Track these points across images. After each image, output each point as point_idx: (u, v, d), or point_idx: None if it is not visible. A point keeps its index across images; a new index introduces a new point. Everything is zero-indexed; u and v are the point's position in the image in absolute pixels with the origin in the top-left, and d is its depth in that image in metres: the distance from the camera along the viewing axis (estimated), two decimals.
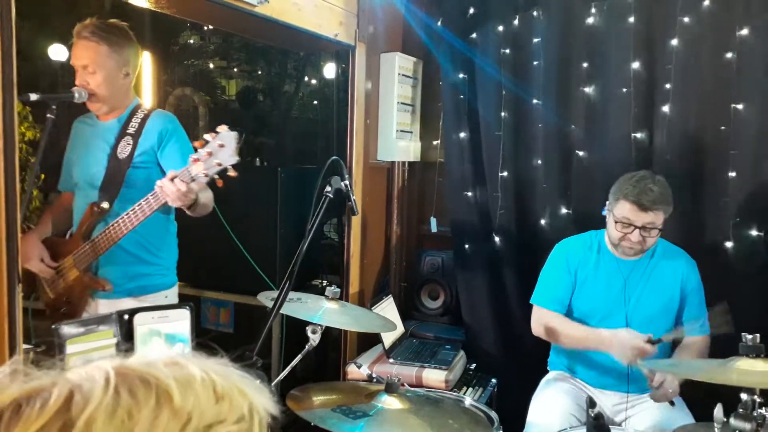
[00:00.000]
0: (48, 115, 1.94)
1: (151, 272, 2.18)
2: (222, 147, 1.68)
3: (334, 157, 1.75)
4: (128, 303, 2.11)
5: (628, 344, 2.04)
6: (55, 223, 2.25)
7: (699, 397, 2.10)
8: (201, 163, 1.71)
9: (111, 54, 2.06)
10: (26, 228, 3.33)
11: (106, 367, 0.52)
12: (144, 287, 2.16)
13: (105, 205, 2.05)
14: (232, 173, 1.71)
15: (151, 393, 0.50)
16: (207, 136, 1.70)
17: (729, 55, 2.53)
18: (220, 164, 1.69)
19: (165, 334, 1.07)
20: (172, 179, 1.78)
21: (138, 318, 1.04)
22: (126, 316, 1.03)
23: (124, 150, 2.09)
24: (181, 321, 1.09)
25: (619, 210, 2.16)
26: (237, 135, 1.69)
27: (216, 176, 1.73)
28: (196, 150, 1.73)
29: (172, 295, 2.26)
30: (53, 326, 0.95)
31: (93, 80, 2.05)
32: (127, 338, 1.03)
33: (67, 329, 0.96)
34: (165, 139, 2.11)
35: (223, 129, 1.70)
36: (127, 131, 2.11)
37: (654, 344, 2.02)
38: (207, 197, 2.01)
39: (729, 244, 2.57)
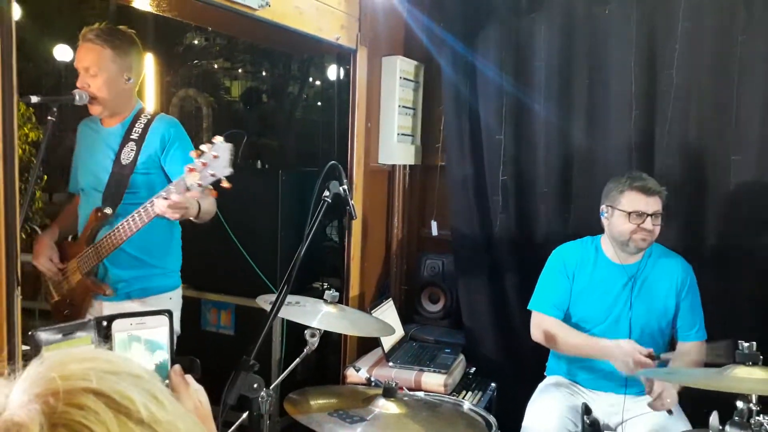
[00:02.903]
0: (49, 118, 1.96)
1: (154, 274, 2.20)
2: (216, 158, 1.70)
3: (333, 162, 1.75)
4: (131, 305, 2.14)
5: (629, 355, 2.05)
6: (65, 226, 2.28)
7: (694, 405, 2.11)
8: (197, 173, 1.73)
9: (114, 58, 2.07)
10: (29, 228, 3.33)
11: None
12: (147, 289, 2.18)
13: (108, 210, 2.07)
14: (225, 184, 1.72)
15: None
16: (204, 147, 1.72)
17: (730, 60, 2.52)
18: (214, 175, 1.71)
19: (144, 339, 1.07)
20: (166, 196, 1.81)
21: (116, 324, 1.04)
22: (105, 323, 1.03)
23: (128, 156, 2.10)
24: (159, 327, 1.08)
25: (627, 203, 2.20)
26: (232, 146, 1.71)
27: (210, 186, 1.74)
28: (192, 159, 1.73)
29: (176, 296, 2.28)
30: (29, 333, 0.95)
31: (94, 83, 2.06)
32: (106, 345, 1.04)
33: (44, 336, 0.96)
34: (168, 144, 2.13)
35: (218, 140, 1.72)
36: (131, 137, 2.12)
37: (654, 360, 2.03)
38: (209, 203, 2.04)
39: (729, 251, 2.56)
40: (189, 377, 1.06)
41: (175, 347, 2.17)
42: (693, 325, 2.27)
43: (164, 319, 1.08)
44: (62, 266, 2.16)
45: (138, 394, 0.51)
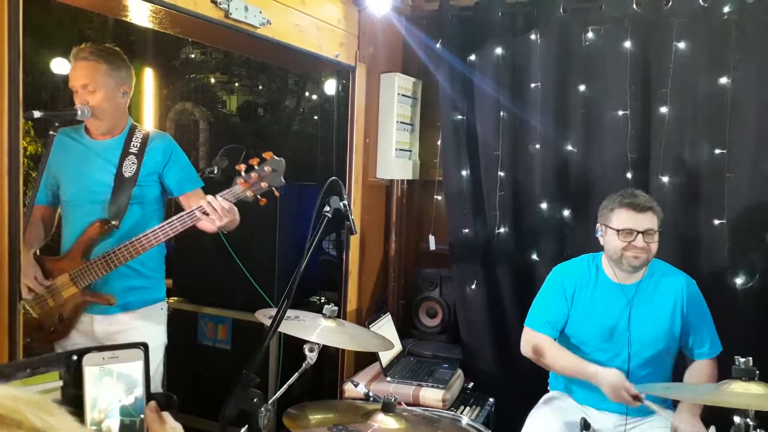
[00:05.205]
0: (50, 132, 1.95)
1: (148, 285, 2.23)
2: (274, 172, 1.97)
3: (334, 178, 1.77)
4: (124, 317, 2.16)
5: (612, 388, 2.05)
6: (30, 239, 2.17)
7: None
8: (248, 186, 1.96)
9: (110, 72, 2.13)
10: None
11: None
12: (141, 300, 2.20)
13: (115, 222, 2.10)
14: (277, 194, 2.00)
15: None
16: (252, 162, 1.96)
17: (723, 79, 2.56)
18: (269, 185, 1.97)
19: (117, 374, 1.02)
20: (213, 202, 1.97)
21: (87, 359, 0.98)
22: (75, 357, 0.99)
23: (129, 168, 2.15)
24: (133, 362, 1.03)
25: (617, 220, 2.19)
26: (284, 161, 1.99)
27: (259, 197, 1.99)
28: (239, 173, 1.97)
29: (165, 306, 2.32)
30: None
31: (93, 99, 2.10)
32: (76, 380, 0.96)
33: (8, 371, 0.91)
34: (170, 159, 2.22)
35: (270, 156, 1.97)
36: (130, 150, 2.17)
37: (638, 401, 2.01)
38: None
39: (725, 267, 2.59)
40: (166, 414, 1.01)
41: (164, 363, 2.15)
42: (704, 342, 2.23)
43: (139, 353, 1.02)
44: (48, 283, 2.09)
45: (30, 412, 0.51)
